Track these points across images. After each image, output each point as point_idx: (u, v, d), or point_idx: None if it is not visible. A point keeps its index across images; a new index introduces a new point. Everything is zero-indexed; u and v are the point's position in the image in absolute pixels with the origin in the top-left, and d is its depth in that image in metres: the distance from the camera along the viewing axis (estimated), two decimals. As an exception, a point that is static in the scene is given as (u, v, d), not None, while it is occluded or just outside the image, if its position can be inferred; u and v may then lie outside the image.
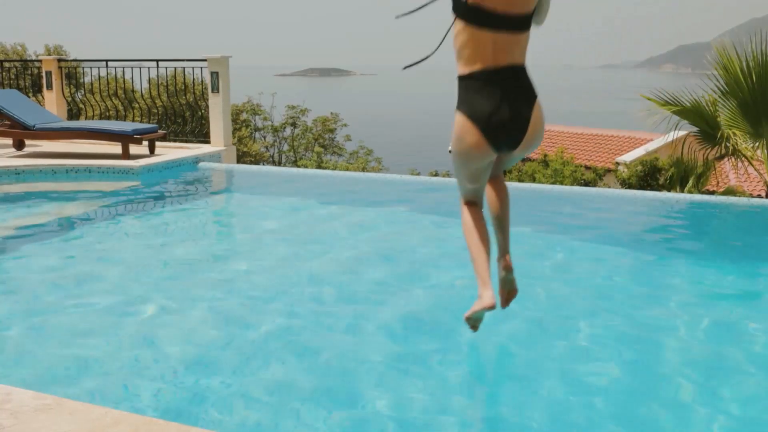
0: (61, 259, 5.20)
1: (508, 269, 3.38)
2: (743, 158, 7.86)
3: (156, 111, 12.31)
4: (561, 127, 26.59)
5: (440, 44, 3.11)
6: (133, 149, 9.42)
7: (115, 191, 7.75)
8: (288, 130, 27.39)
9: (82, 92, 16.19)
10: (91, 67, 11.81)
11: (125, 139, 9.12)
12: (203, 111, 11.58)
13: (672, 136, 8.14)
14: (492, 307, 3.08)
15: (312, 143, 26.93)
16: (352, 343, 3.74)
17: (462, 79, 3.01)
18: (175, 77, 13.28)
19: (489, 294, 3.08)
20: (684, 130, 8.28)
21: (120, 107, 12.52)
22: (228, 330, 3.87)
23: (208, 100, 10.37)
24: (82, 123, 10.05)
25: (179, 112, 12.03)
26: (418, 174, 18.45)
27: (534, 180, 15.72)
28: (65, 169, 8.19)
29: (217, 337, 3.77)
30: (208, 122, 10.43)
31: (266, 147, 26.66)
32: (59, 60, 11.58)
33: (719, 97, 7.88)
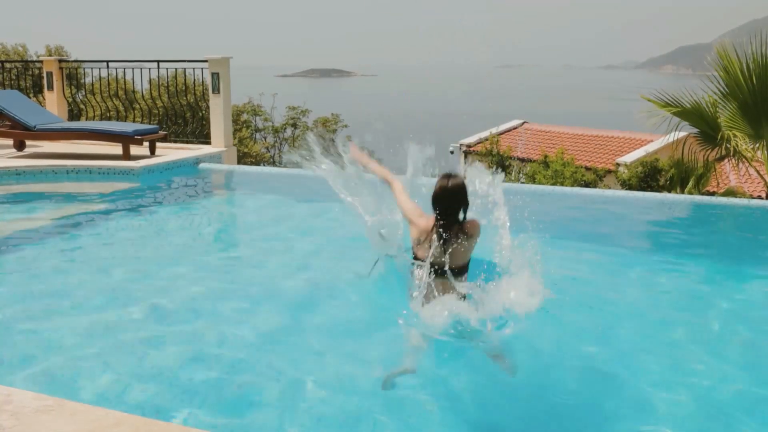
0: (61, 259, 5.21)
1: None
2: (743, 159, 7.86)
3: (156, 112, 12.31)
4: (561, 128, 26.57)
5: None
6: (134, 150, 9.43)
7: (116, 192, 7.76)
8: (289, 131, 27.39)
9: (83, 93, 16.19)
10: (92, 68, 11.81)
11: (126, 139, 9.13)
12: (204, 112, 11.58)
13: (672, 137, 8.14)
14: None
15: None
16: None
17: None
18: (176, 78, 13.28)
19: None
20: (684, 131, 8.28)
21: (121, 108, 12.52)
22: (228, 330, 3.87)
23: (208, 100, 10.37)
24: (82, 124, 10.05)
25: (180, 113, 12.03)
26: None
27: (534, 181, 15.72)
28: (66, 170, 8.19)
29: (218, 338, 3.77)
30: (208, 123, 10.43)
31: (267, 148, 26.66)
32: (60, 61, 11.58)
33: (719, 98, 7.89)
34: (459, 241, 3.60)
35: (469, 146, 24.08)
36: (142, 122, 11.80)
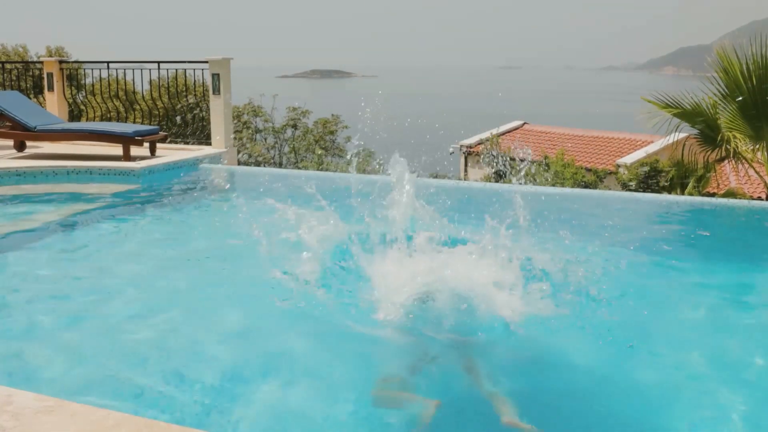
0: (61, 260, 5.21)
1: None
2: (743, 160, 7.87)
3: (157, 113, 12.31)
4: (562, 129, 26.57)
5: None
6: (134, 151, 9.43)
7: (116, 193, 7.76)
8: (289, 132, 27.38)
9: (84, 94, 16.19)
10: (92, 69, 11.82)
11: (126, 140, 9.13)
12: (204, 113, 11.58)
13: (672, 138, 8.15)
14: None
15: (313, 145, 26.92)
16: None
17: None
18: (177, 79, 13.28)
19: None
20: (684, 132, 8.29)
21: (121, 109, 12.52)
22: (228, 332, 3.87)
23: (209, 101, 10.37)
24: (83, 124, 10.05)
25: (180, 114, 12.04)
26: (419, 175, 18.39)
27: (535, 182, 15.72)
28: (66, 171, 8.19)
29: (220, 339, 3.77)
30: (209, 124, 10.43)
31: (267, 149, 26.65)
32: (60, 61, 11.59)
33: (720, 99, 7.89)
34: None
35: (469, 147, 24.08)
36: (142, 123, 11.80)
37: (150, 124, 11.21)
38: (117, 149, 9.46)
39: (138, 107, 12.69)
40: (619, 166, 18.45)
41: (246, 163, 20.80)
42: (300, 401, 3.14)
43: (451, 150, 25.32)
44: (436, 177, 20.80)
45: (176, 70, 11.27)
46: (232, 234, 6.76)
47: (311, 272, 4.92)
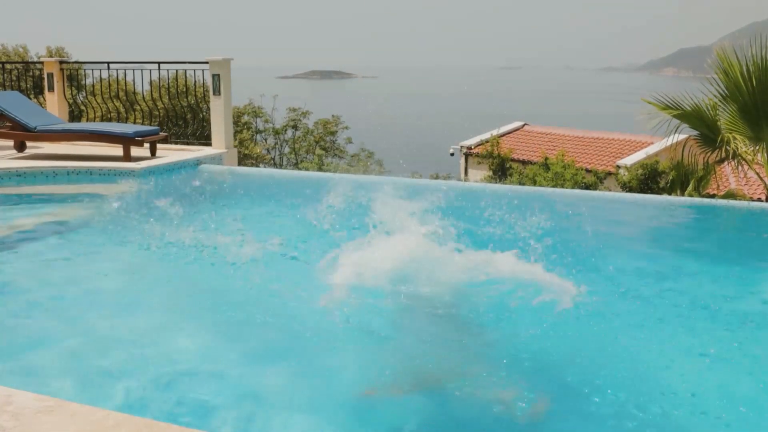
0: (60, 261, 5.21)
1: None
2: (743, 162, 7.87)
3: (157, 113, 12.32)
4: (562, 130, 26.58)
5: None
6: (135, 151, 9.43)
7: (116, 193, 7.76)
8: (289, 133, 27.38)
9: (84, 94, 16.20)
10: (92, 69, 11.83)
11: (127, 141, 9.13)
12: (205, 113, 11.60)
13: (672, 139, 8.16)
14: None
15: (313, 146, 26.93)
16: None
17: None
18: (177, 79, 13.30)
19: None
20: (684, 133, 8.29)
21: (121, 109, 12.53)
22: (231, 332, 3.87)
23: (209, 102, 10.38)
24: (83, 125, 10.06)
25: (180, 115, 12.05)
26: (420, 176, 18.45)
27: (535, 183, 15.72)
28: (66, 171, 8.20)
29: (221, 340, 3.77)
30: (209, 124, 10.44)
31: (267, 149, 26.65)
32: (61, 62, 11.59)
33: (720, 101, 7.90)
34: None
35: (469, 148, 24.09)
36: (142, 124, 11.81)
37: (150, 125, 11.22)
38: (117, 150, 9.47)
39: (138, 108, 12.69)
40: (619, 167, 18.46)
41: (246, 164, 20.79)
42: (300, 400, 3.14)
43: (451, 151, 25.33)
44: (436, 178, 20.82)
45: (176, 70, 11.28)
46: (232, 234, 6.77)
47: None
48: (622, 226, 6.91)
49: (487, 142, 20.75)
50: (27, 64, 13.91)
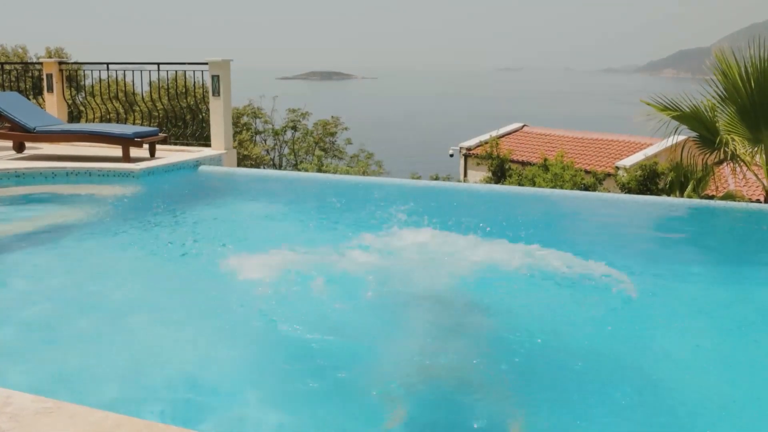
0: (59, 261, 5.21)
1: None
2: (742, 163, 7.88)
3: (157, 114, 12.32)
4: (561, 131, 26.59)
5: None
6: (134, 152, 9.43)
7: (116, 194, 7.76)
8: (289, 134, 27.38)
9: (83, 95, 16.22)
10: (92, 70, 11.82)
11: (126, 142, 9.12)
12: (204, 114, 11.60)
13: (671, 140, 8.16)
14: None
15: (313, 147, 26.93)
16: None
17: None
18: (176, 80, 13.29)
19: None
20: (683, 135, 8.30)
21: (121, 110, 12.53)
22: (232, 332, 3.88)
23: (208, 103, 10.38)
24: (82, 126, 10.05)
25: (180, 115, 12.05)
26: (419, 177, 18.45)
27: (534, 184, 15.72)
28: (65, 172, 8.20)
29: (221, 340, 3.77)
30: (208, 125, 10.44)
31: (267, 150, 26.66)
32: (60, 62, 11.59)
33: (718, 102, 7.91)
34: None
35: (468, 149, 24.09)
36: (142, 124, 11.81)
37: (150, 126, 11.21)
38: (116, 151, 9.47)
39: (138, 109, 12.70)
40: (618, 168, 18.46)
41: (245, 165, 20.79)
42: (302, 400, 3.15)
43: (450, 152, 25.33)
44: (436, 179, 20.82)
45: (176, 71, 11.28)
46: (232, 234, 6.77)
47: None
48: (619, 226, 6.91)
49: (486, 143, 20.73)
50: (26, 65, 13.91)
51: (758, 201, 9.77)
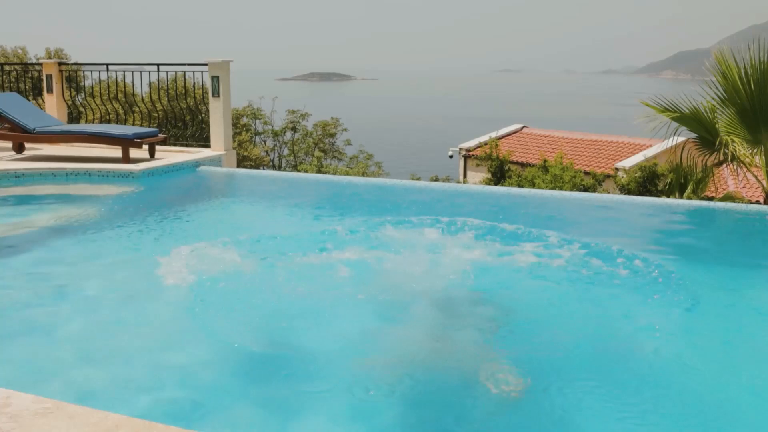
0: (59, 262, 5.21)
1: None
2: (742, 164, 7.89)
3: (156, 115, 12.32)
4: (560, 133, 26.61)
5: None
6: (134, 153, 9.44)
7: (115, 195, 7.77)
8: (288, 135, 27.40)
9: (83, 96, 16.21)
10: (91, 71, 11.83)
11: (125, 142, 9.13)
12: (204, 115, 11.61)
13: (671, 142, 8.17)
14: None
15: (312, 148, 26.95)
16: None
17: None
18: (176, 81, 13.30)
19: None
20: (683, 136, 8.30)
21: (120, 111, 12.53)
22: (225, 334, 3.87)
23: (208, 104, 10.39)
24: (82, 126, 10.05)
25: (179, 116, 12.05)
26: (419, 179, 18.46)
27: (534, 185, 15.73)
28: (65, 173, 8.20)
29: (222, 341, 3.77)
30: (208, 126, 10.45)
31: (266, 151, 26.67)
32: (60, 63, 11.60)
33: (718, 103, 7.92)
34: None
35: (468, 150, 24.10)
36: (141, 125, 11.81)
37: (149, 127, 11.22)
38: (116, 151, 9.47)
39: (137, 109, 12.71)
40: (617, 169, 18.47)
41: (245, 166, 20.79)
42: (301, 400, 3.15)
43: (450, 153, 25.34)
44: (436, 180, 20.81)
45: (176, 72, 11.29)
46: (233, 235, 6.77)
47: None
48: (618, 227, 6.91)
49: (486, 144, 20.74)
50: (26, 66, 13.92)
51: (758, 202, 9.78)
